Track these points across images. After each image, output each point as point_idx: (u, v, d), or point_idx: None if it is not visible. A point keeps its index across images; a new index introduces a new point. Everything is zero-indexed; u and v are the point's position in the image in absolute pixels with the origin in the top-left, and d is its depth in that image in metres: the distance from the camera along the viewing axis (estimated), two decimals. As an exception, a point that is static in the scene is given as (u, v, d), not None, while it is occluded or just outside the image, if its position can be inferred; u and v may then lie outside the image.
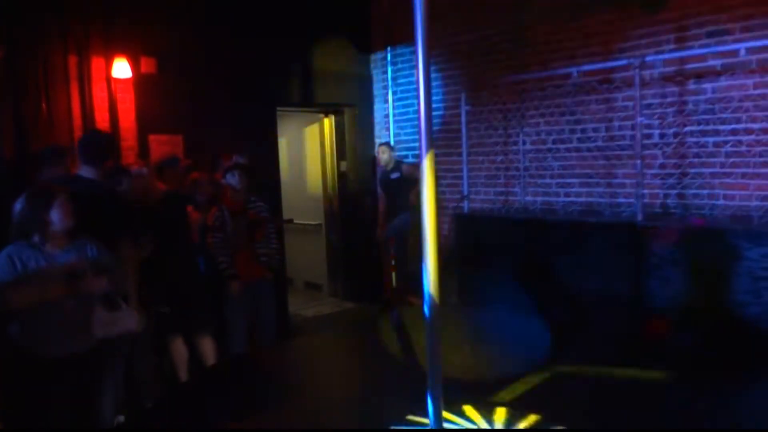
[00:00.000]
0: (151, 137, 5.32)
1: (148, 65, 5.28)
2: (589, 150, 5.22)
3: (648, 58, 4.59)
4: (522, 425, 3.15)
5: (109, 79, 5.07)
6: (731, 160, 4.45)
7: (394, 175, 6.41)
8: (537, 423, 3.15)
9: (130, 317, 3.33)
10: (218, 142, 5.32)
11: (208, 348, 4.43)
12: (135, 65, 5.18)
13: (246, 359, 4.67)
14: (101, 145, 3.70)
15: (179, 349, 4.28)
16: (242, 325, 4.76)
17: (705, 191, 4.60)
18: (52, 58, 4.82)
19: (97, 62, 5.03)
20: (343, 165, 7.20)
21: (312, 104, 6.79)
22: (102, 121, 5.06)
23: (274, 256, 4.95)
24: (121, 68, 5.08)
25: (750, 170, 4.37)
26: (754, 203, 4.38)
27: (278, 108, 6.42)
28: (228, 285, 4.58)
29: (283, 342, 5.42)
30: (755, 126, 4.31)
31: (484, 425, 3.18)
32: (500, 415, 3.26)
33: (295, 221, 7.09)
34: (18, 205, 2.99)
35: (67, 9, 4.89)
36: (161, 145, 5.33)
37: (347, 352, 4.77)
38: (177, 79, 5.42)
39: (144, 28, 5.27)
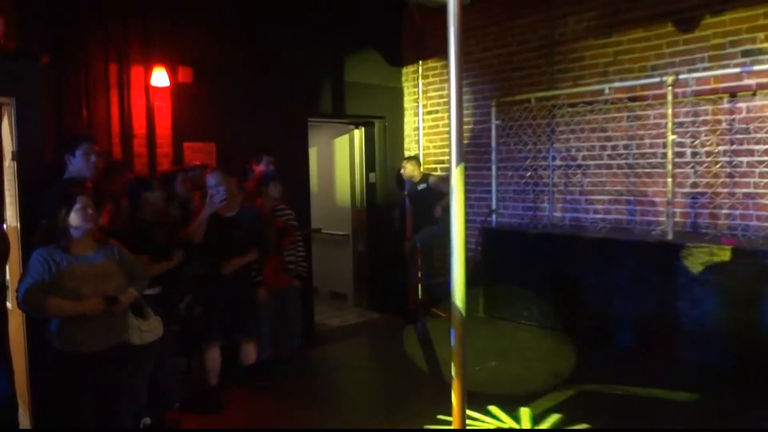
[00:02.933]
0: (186, 144, 5.43)
1: (185, 74, 5.40)
2: (619, 167, 5.19)
3: (681, 76, 4.57)
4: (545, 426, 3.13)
5: (147, 87, 5.21)
6: (765, 180, 4.39)
7: (421, 187, 6.45)
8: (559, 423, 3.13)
9: (158, 324, 3.42)
10: (251, 151, 5.41)
11: (250, 352, 4.48)
12: (173, 74, 5.30)
13: (272, 365, 4.72)
14: None
15: (214, 355, 4.34)
16: (268, 332, 4.81)
17: (737, 211, 4.54)
18: (94, 65, 4.97)
19: (136, 71, 5.17)
20: (372, 177, 7.25)
21: (343, 116, 6.86)
22: (139, 128, 5.19)
23: (300, 264, 5.00)
24: (160, 77, 5.21)
25: (784, 191, 4.31)
26: (788, 225, 4.31)
27: (309, 119, 6.50)
28: (256, 292, 4.64)
29: (307, 350, 5.46)
30: (790, 147, 4.26)
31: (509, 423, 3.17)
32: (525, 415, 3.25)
33: (323, 231, 7.15)
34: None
35: (109, 18, 5.04)
36: (195, 152, 5.44)
37: (372, 362, 4.79)
38: (212, 89, 5.54)
39: (182, 38, 5.40)
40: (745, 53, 4.51)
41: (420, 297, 6.40)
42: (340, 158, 7.65)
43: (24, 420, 3.89)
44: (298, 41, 6.11)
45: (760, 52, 4.43)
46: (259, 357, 4.67)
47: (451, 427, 2.30)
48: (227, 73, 5.64)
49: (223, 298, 4.26)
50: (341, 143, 7.59)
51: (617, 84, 5.05)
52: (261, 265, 4.63)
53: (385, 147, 7.19)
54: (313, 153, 7.40)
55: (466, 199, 6.78)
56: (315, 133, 7.25)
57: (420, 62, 7.00)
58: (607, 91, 5.03)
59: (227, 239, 4.20)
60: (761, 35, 4.44)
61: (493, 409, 3.31)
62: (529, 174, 5.83)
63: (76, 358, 3.12)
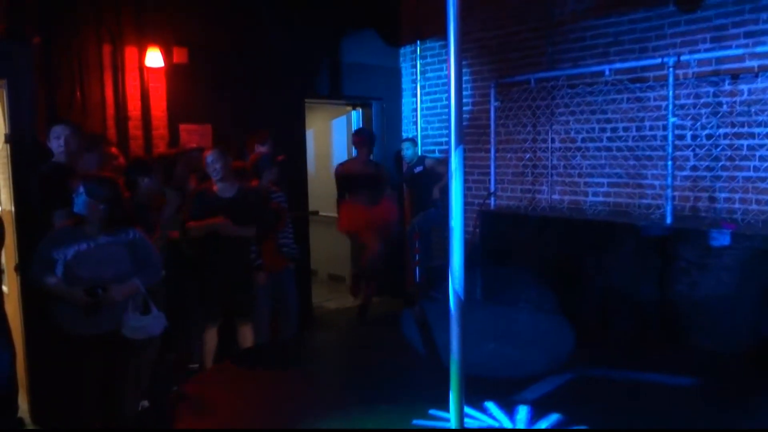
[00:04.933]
0: (182, 126, 5.38)
1: (180, 55, 5.33)
2: (619, 150, 5.15)
3: (683, 57, 4.51)
4: (544, 425, 3.14)
5: (141, 68, 5.14)
6: (766, 164, 4.36)
7: (418, 169, 6.41)
8: (559, 422, 3.14)
9: (157, 322, 3.37)
10: (247, 132, 5.36)
11: (246, 336, 4.47)
12: (167, 55, 5.23)
13: (269, 349, 4.72)
14: None
15: (211, 337, 4.33)
16: (266, 316, 4.80)
17: (737, 195, 4.52)
18: (87, 47, 4.90)
19: (130, 51, 5.10)
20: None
21: (340, 97, 6.80)
22: (134, 109, 5.13)
23: (293, 246, 4.99)
24: (154, 58, 5.14)
25: (785, 174, 4.28)
26: (788, 208, 4.29)
27: (306, 100, 6.44)
28: (254, 275, 4.62)
29: (305, 333, 5.46)
30: (792, 129, 4.22)
31: (506, 423, 3.18)
32: (522, 413, 3.25)
33: (320, 213, 7.12)
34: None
35: (102, -2, 4.96)
36: (191, 134, 5.39)
37: (369, 346, 4.78)
38: (208, 70, 5.47)
39: (176, 19, 5.32)
40: (748, 34, 4.45)
41: (418, 280, 6.40)
42: (337, 139, 7.60)
43: (23, 404, 3.90)
44: (295, 21, 6.03)
45: (763, 33, 4.38)
46: (256, 340, 4.67)
47: (449, 427, 2.30)
48: (223, 54, 5.58)
49: (221, 280, 4.25)
50: (339, 124, 7.54)
51: (618, 65, 4.98)
52: (260, 247, 4.61)
53: (383, 128, 7.13)
54: (310, 134, 7.35)
55: (465, 181, 6.72)
56: (312, 115, 7.19)
57: (418, 42, 6.92)
58: (607, 72, 4.97)
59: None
60: (764, 15, 4.37)
61: (490, 406, 3.30)
62: (528, 156, 5.80)
63: (71, 339, 3.12)
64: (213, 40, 5.51)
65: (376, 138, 6.33)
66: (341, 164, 6.22)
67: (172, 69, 5.29)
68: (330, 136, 7.73)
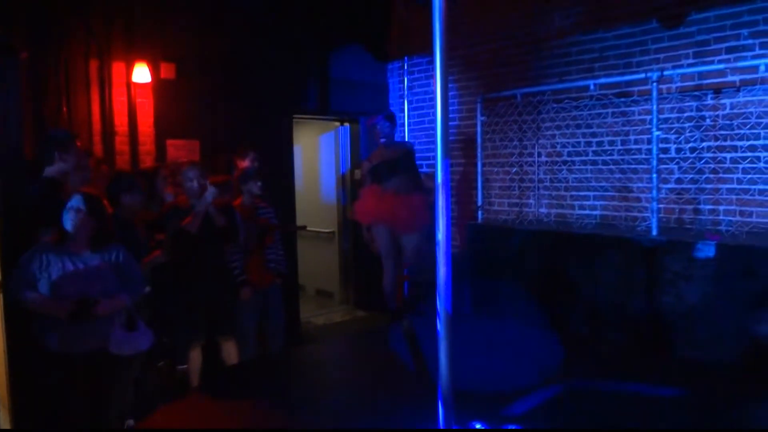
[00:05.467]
0: (169, 142, 5.37)
1: (167, 71, 5.34)
2: (604, 163, 5.20)
3: (666, 72, 4.57)
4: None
5: (129, 83, 5.14)
6: (749, 176, 4.42)
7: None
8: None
9: (144, 337, 3.35)
10: (234, 148, 5.35)
11: (230, 352, 4.44)
12: (155, 70, 5.24)
13: (256, 365, 4.68)
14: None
15: (195, 356, 4.29)
16: (252, 332, 4.77)
17: (721, 207, 4.57)
18: (74, 62, 4.89)
19: (117, 67, 5.10)
20: (358, 173, 7.22)
21: (328, 112, 6.83)
22: (121, 125, 5.12)
23: (281, 262, 4.97)
24: (142, 73, 5.14)
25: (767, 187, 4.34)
26: (772, 220, 4.34)
27: (294, 116, 6.46)
28: (240, 291, 4.59)
29: (293, 349, 5.42)
30: (774, 142, 4.28)
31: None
32: None
33: (308, 228, 7.12)
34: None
35: (90, 13, 4.96)
36: (178, 149, 5.38)
37: (357, 361, 4.76)
38: (195, 85, 5.48)
39: (164, 34, 5.34)
40: (729, 49, 4.53)
41: (406, 294, 6.38)
42: (325, 155, 7.62)
43: (5, 423, 3.83)
44: (283, 37, 6.06)
45: (744, 48, 4.45)
46: (243, 357, 4.63)
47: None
48: (211, 70, 5.59)
49: (203, 298, 4.21)
50: (327, 140, 7.56)
51: (602, 80, 5.05)
52: (244, 263, 4.59)
53: (370, 144, 7.15)
54: (298, 150, 7.36)
55: (452, 195, 6.75)
56: (300, 130, 7.21)
57: (406, 58, 6.97)
58: (592, 87, 5.03)
59: (181, 233, 4.13)
60: (745, 31, 4.45)
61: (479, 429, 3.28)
62: (514, 170, 5.83)
63: (56, 358, 3.09)
64: (201, 55, 5.53)
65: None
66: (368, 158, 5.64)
67: (159, 84, 5.29)
68: (318, 152, 7.75)
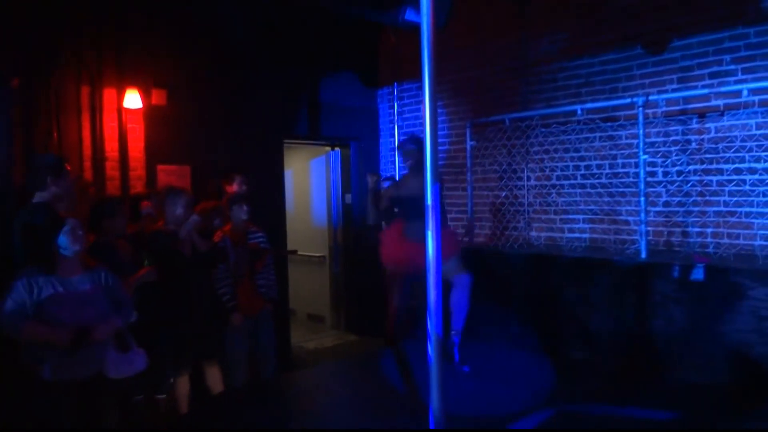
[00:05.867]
0: (160, 167, 5.37)
1: (158, 97, 5.37)
2: (593, 187, 5.25)
3: (651, 97, 4.65)
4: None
5: (120, 109, 5.16)
6: (735, 199, 4.47)
7: (397, 208, 6.44)
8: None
9: (140, 358, 3.33)
10: (226, 173, 5.36)
11: (215, 377, 4.40)
12: (146, 96, 5.26)
13: (247, 391, 4.64)
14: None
15: (184, 382, 4.25)
16: (243, 357, 4.73)
17: (709, 229, 4.62)
18: (65, 87, 4.91)
19: (108, 93, 5.12)
20: (348, 197, 7.25)
21: (318, 137, 6.87)
22: (111, 150, 5.12)
23: (272, 287, 4.95)
24: (132, 99, 5.16)
25: (754, 209, 4.39)
26: (758, 242, 4.39)
27: (285, 140, 6.49)
28: (230, 316, 4.57)
29: (283, 375, 5.38)
30: (758, 166, 4.35)
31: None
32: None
33: (299, 253, 7.11)
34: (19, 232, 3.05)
35: (81, 40, 4.99)
36: (169, 175, 5.38)
37: (348, 386, 4.72)
38: (186, 111, 5.50)
39: (155, 60, 5.37)
40: (712, 75, 4.62)
41: (398, 319, 6.36)
42: (316, 179, 7.64)
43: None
44: (274, 63, 6.11)
45: (727, 74, 4.54)
46: (233, 383, 4.59)
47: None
48: (202, 96, 5.62)
49: (190, 324, 4.17)
50: (317, 164, 7.59)
51: (589, 105, 5.12)
52: (234, 289, 4.57)
53: (362, 168, 7.19)
54: (289, 174, 7.39)
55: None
56: (291, 155, 7.24)
57: (396, 83, 7.04)
58: (579, 112, 5.10)
59: (174, 255, 4.12)
60: (727, 57, 4.55)
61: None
62: (504, 194, 5.87)
63: (51, 386, 3.04)
64: (192, 81, 5.56)
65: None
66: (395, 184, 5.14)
67: (150, 110, 5.32)
68: (308, 176, 7.77)
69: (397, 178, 6.92)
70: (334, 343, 6.94)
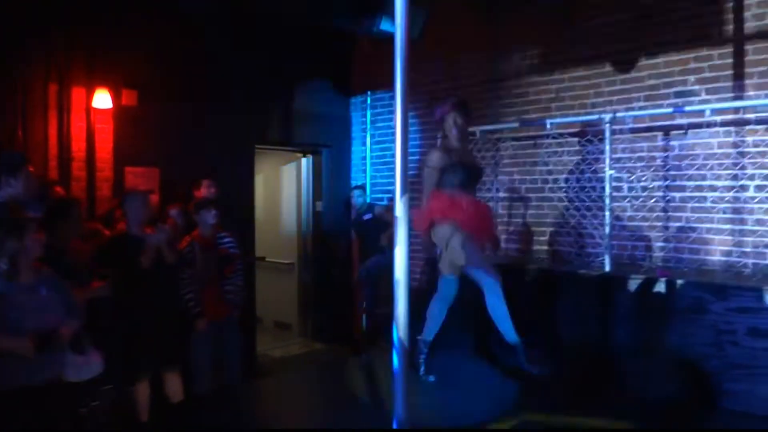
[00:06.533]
0: (128, 169, 5.30)
1: (129, 97, 5.30)
2: (560, 200, 5.33)
3: (619, 114, 4.75)
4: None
5: (88, 109, 5.08)
6: (696, 215, 4.59)
7: (367, 217, 6.46)
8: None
9: (97, 360, 3.26)
10: (195, 177, 5.31)
11: (175, 385, 4.33)
12: (116, 97, 5.20)
13: (210, 399, 4.58)
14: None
15: (144, 390, 4.17)
16: (207, 364, 4.67)
17: (671, 244, 4.72)
18: (32, 86, 4.83)
19: (77, 92, 5.04)
20: (319, 205, 7.23)
21: (290, 143, 6.85)
22: (78, 150, 5.04)
23: (239, 293, 4.90)
24: (102, 99, 5.09)
25: (714, 226, 4.51)
26: (718, 258, 4.50)
27: (256, 146, 6.46)
28: (194, 323, 4.51)
29: (248, 382, 5.32)
30: (719, 183, 4.47)
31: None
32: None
33: (267, 259, 7.06)
34: None
35: (51, 38, 4.92)
36: (137, 177, 5.31)
37: (313, 395, 4.70)
38: (158, 113, 5.44)
39: (127, 61, 5.31)
40: (678, 94, 4.74)
41: (365, 327, 6.36)
42: (287, 186, 7.61)
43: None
44: (247, 67, 6.09)
45: (691, 93, 4.67)
46: (197, 390, 4.53)
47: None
48: (174, 98, 5.57)
49: (150, 328, 4.10)
50: (289, 171, 7.56)
51: (559, 120, 5.21)
52: (200, 294, 4.51)
53: (333, 176, 7.20)
54: (259, 180, 7.34)
55: (412, 228, 6.73)
56: (262, 160, 7.20)
57: (369, 92, 7.07)
58: (548, 126, 5.18)
59: (131, 265, 4.05)
60: (692, 78, 4.67)
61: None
62: (474, 205, 5.91)
63: (8, 393, 2.95)
64: (165, 83, 5.51)
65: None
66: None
67: (120, 111, 5.25)
68: (279, 182, 7.74)
69: (367, 188, 6.95)
70: (301, 351, 6.90)
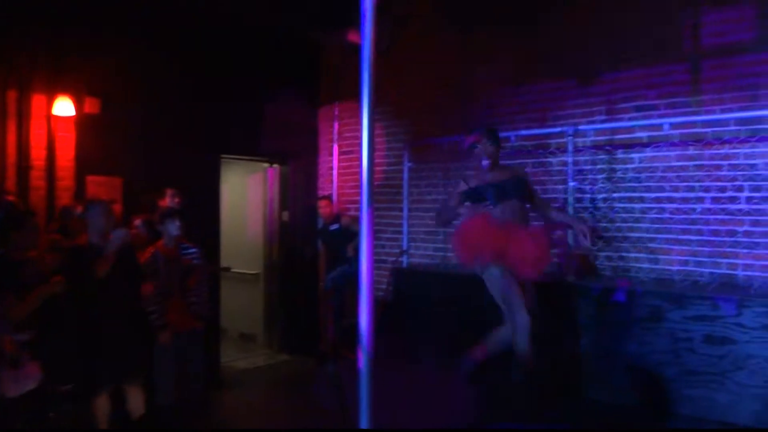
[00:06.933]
0: (89, 178, 5.20)
1: (92, 105, 5.21)
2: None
3: (581, 127, 4.85)
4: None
5: (49, 116, 4.98)
6: (655, 226, 4.70)
7: (333, 227, 6.46)
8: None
9: (33, 374, 3.17)
10: (159, 187, 5.24)
11: (137, 398, 4.24)
12: (79, 104, 5.10)
13: (173, 412, 4.50)
14: None
15: (103, 403, 4.07)
16: (170, 377, 4.59)
17: (632, 254, 4.83)
18: (-10, 92, 4.72)
19: (38, 99, 4.94)
20: (285, 215, 7.20)
21: (257, 153, 6.81)
22: (38, 158, 4.93)
23: (203, 305, 4.84)
24: (64, 106, 5.00)
25: (672, 236, 4.63)
26: (676, 267, 4.62)
27: (223, 155, 6.41)
28: (157, 335, 4.43)
29: (211, 394, 5.25)
30: (677, 195, 4.59)
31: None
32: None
33: (232, 270, 6.99)
34: None
35: (11, 44, 4.82)
36: (98, 186, 5.21)
37: (279, 407, 4.66)
38: (121, 121, 5.36)
39: (91, 68, 5.22)
40: (638, 108, 4.87)
41: (331, 338, 6.33)
42: (253, 196, 7.56)
43: None
44: (214, 76, 6.04)
45: (651, 108, 4.80)
46: (160, 402, 4.45)
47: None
48: (138, 106, 5.50)
49: (109, 340, 4.01)
50: (255, 181, 7.51)
51: (523, 132, 5.30)
52: (164, 306, 4.44)
53: (299, 186, 7.17)
54: (225, 190, 7.27)
55: (378, 239, 6.77)
56: (228, 170, 7.15)
57: (337, 103, 7.08)
58: (513, 138, 5.27)
59: (85, 275, 3.93)
60: (652, 93, 4.81)
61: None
62: (440, 216, 5.96)
63: None
64: (129, 92, 5.43)
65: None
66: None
67: (82, 119, 5.15)
68: (245, 192, 7.68)
69: (334, 198, 6.95)
70: (266, 363, 6.83)
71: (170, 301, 4.52)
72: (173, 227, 4.60)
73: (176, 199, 5.04)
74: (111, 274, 3.95)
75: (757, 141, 4.30)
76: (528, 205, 4.31)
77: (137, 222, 4.80)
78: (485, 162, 4.23)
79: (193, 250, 4.78)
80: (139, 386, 4.23)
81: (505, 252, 3.95)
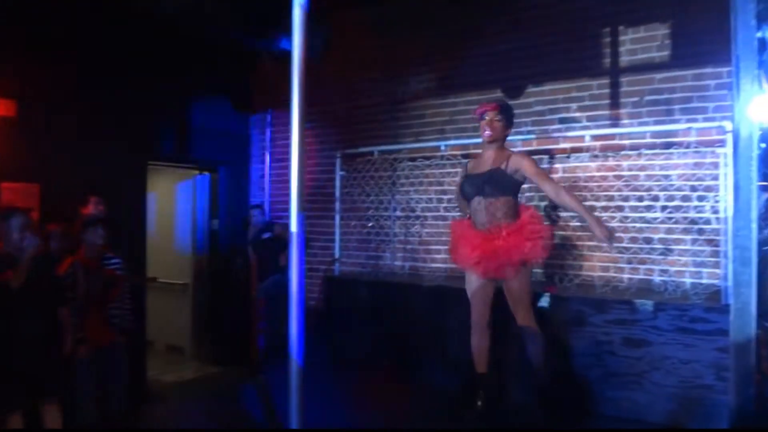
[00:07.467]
0: (4, 185, 4.94)
1: (6, 107, 4.95)
2: (453, 219, 5.49)
3: (508, 138, 4.98)
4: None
5: (-42, 120, 4.71)
6: (578, 233, 4.88)
7: (266, 236, 6.39)
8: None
9: None
10: (81, 194, 5.02)
11: (52, 417, 4.03)
12: (-9, 107, 4.85)
13: (95, 429, 4.32)
14: None
15: (15, 424, 3.84)
16: (91, 393, 4.39)
17: (557, 261, 4.99)
18: None
19: (-55, 100, 4.66)
20: (215, 223, 7.06)
21: (186, 160, 6.65)
22: (-55, 164, 4.65)
23: (126, 317, 4.67)
24: (-26, 109, 4.73)
25: (593, 243, 4.82)
26: (597, 273, 4.82)
27: (150, 162, 6.22)
28: (76, 350, 4.23)
29: (136, 410, 5.06)
30: (597, 204, 4.79)
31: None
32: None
33: (159, 280, 6.78)
34: None
35: None
36: (14, 193, 4.95)
37: (205, 420, 4.55)
38: (40, 125, 5.12)
39: (4, 68, 4.96)
40: (562, 120, 5.05)
41: (262, 348, 6.24)
42: (182, 204, 7.38)
43: None
44: (141, 81, 5.85)
45: (573, 120, 5.00)
46: (80, 420, 4.25)
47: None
48: (59, 109, 5.26)
49: (23, 359, 3.81)
50: (184, 188, 7.34)
51: (452, 142, 5.41)
52: (82, 319, 4.24)
53: (230, 194, 7.05)
54: (152, 197, 7.07)
55: (310, 247, 6.72)
56: (156, 177, 6.95)
57: (269, 110, 7.01)
58: (443, 148, 5.36)
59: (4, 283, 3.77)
60: (574, 105, 5.01)
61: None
62: (371, 224, 6.00)
63: None
64: (48, 94, 5.19)
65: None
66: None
67: (-5, 122, 4.89)
68: (174, 200, 7.48)
69: (267, 206, 6.87)
70: (195, 375, 6.65)
71: (90, 314, 4.34)
72: (96, 236, 4.42)
73: (100, 207, 4.85)
74: (25, 286, 3.76)
75: (671, 153, 4.54)
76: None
77: (52, 230, 4.57)
78: (487, 134, 3.94)
79: (116, 260, 4.61)
80: (57, 403, 4.03)
81: (478, 261, 3.85)
